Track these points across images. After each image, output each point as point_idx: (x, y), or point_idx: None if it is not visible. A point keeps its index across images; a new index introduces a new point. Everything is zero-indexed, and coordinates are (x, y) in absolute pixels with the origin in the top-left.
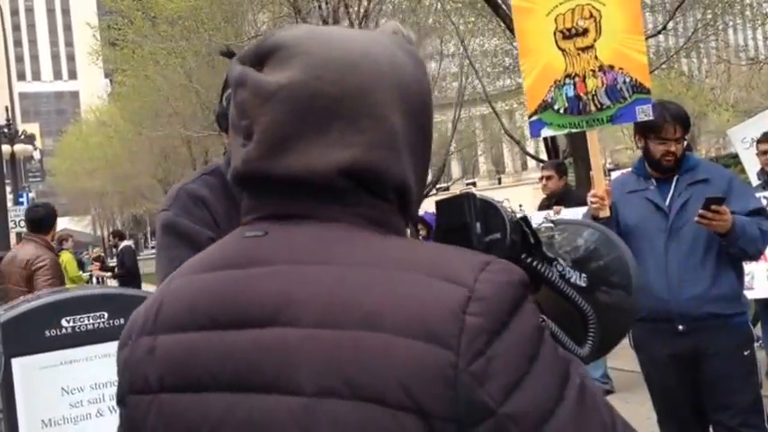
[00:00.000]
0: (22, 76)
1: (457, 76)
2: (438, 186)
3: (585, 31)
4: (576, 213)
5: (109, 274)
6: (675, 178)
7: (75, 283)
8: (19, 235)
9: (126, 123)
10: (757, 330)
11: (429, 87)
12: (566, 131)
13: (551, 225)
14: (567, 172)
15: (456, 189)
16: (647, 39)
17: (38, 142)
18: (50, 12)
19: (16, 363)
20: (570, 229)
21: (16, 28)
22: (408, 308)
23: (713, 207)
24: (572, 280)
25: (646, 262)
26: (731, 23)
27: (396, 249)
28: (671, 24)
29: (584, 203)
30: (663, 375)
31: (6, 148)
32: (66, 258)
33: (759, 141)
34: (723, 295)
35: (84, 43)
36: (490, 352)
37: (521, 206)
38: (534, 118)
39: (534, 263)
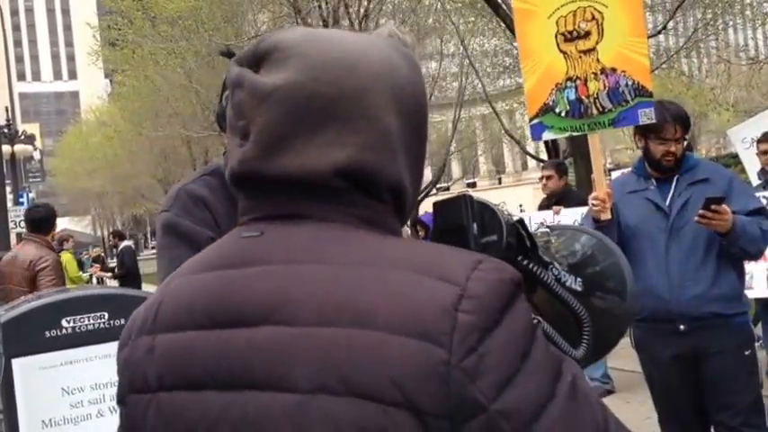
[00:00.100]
0: (22, 77)
1: (457, 76)
2: (438, 186)
3: (587, 34)
4: (576, 213)
5: (109, 274)
6: (675, 178)
7: (76, 284)
8: (19, 235)
9: (126, 123)
10: (758, 330)
11: (424, 90)
12: (567, 135)
13: (548, 230)
14: (567, 172)
15: (456, 189)
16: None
17: (38, 142)
18: (50, 12)
19: (16, 363)
20: (567, 234)
21: (16, 28)
22: (402, 306)
23: (713, 207)
24: (567, 284)
25: (646, 262)
26: (731, 23)
27: (390, 249)
28: (671, 24)
29: (584, 203)
30: (664, 375)
31: (6, 148)
32: (67, 259)
33: (759, 141)
34: (724, 295)
35: (84, 43)
36: (482, 349)
37: (521, 206)
38: (535, 121)
39: (530, 265)
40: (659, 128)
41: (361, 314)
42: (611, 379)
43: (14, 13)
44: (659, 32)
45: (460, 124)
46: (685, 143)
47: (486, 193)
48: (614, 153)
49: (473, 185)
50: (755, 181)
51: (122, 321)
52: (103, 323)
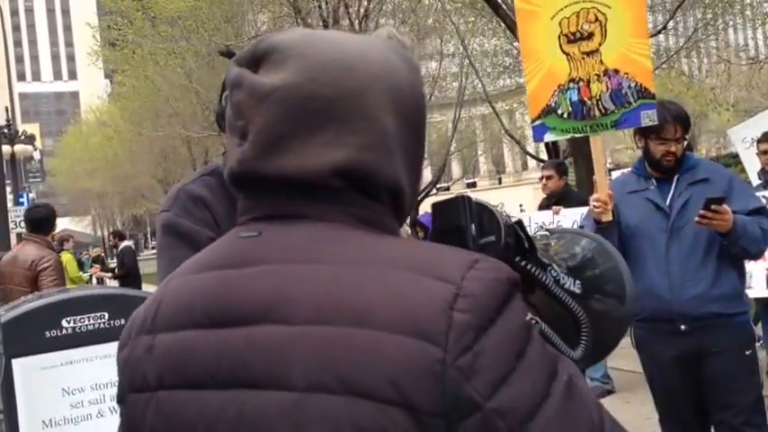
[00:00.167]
0: (22, 77)
1: (457, 76)
2: (438, 186)
3: (591, 35)
4: (575, 213)
5: (109, 274)
6: (676, 178)
7: (76, 284)
8: (19, 236)
9: (126, 123)
10: (758, 330)
11: (422, 91)
12: (569, 136)
13: (548, 233)
14: (568, 172)
15: (456, 189)
16: None
17: (38, 142)
18: (50, 12)
19: (17, 363)
20: (567, 237)
21: (16, 28)
22: (399, 305)
23: (713, 207)
24: (566, 286)
25: (647, 262)
26: (731, 23)
27: (387, 248)
28: (671, 24)
29: (584, 203)
30: (665, 375)
31: (6, 148)
32: (67, 259)
33: (759, 141)
34: (725, 294)
35: (84, 44)
36: (477, 347)
37: (521, 206)
38: (537, 122)
39: (528, 266)
40: (659, 128)
41: (359, 313)
42: (611, 379)
43: (14, 13)
44: (659, 32)
45: (460, 124)
46: (685, 143)
47: (487, 193)
48: (614, 153)
49: (473, 185)
50: (755, 181)
51: (122, 322)
52: (104, 323)
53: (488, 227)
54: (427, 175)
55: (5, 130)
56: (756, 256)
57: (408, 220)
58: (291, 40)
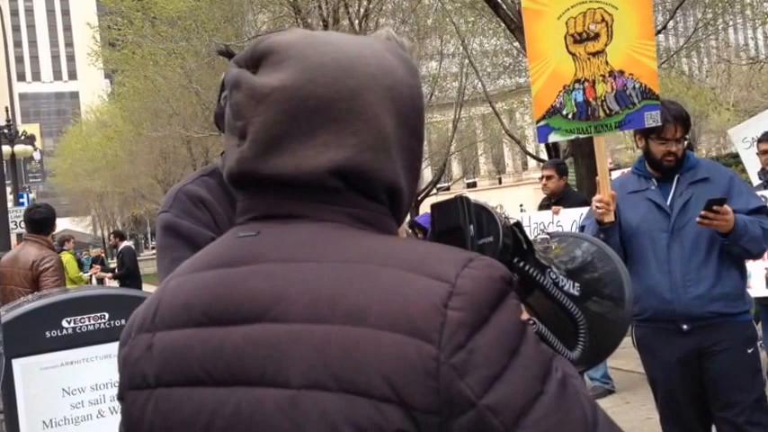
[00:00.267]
0: (21, 77)
1: (457, 76)
2: (438, 186)
3: (597, 36)
4: (575, 213)
5: (109, 274)
6: (676, 178)
7: (76, 284)
8: (20, 236)
9: (126, 124)
10: (758, 329)
11: (421, 92)
12: (573, 137)
13: (548, 236)
14: (567, 172)
15: (456, 189)
16: None
17: (38, 143)
18: (50, 12)
19: (17, 363)
20: (569, 240)
21: (16, 29)
22: (394, 303)
23: (714, 207)
24: (565, 288)
25: (648, 262)
26: (731, 23)
27: (383, 247)
28: (671, 24)
29: (584, 203)
30: (667, 375)
31: (6, 148)
32: (67, 259)
33: (759, 141)
34: (727, 294)
35: (84, 44)
36: (471, 345)
37: (521, 206)
38: (542, 123)
39: (526, 267)
40: (660, 128)
41: (354, 311)
42: (611, 379)
43: (14, 13)
44: (659, 32)
45: (460, 124)
46: (686, 143)
47: (487, 193)
48: (614, 153)
49: (473, 185)
50: (756, 181)
51: (122, 322)
52: (104, 324)
53: (487, 228)
54: (427, 175)
55: (5, 131)
56: (757, 255)
57: (407, 221)
58: (290, 41)
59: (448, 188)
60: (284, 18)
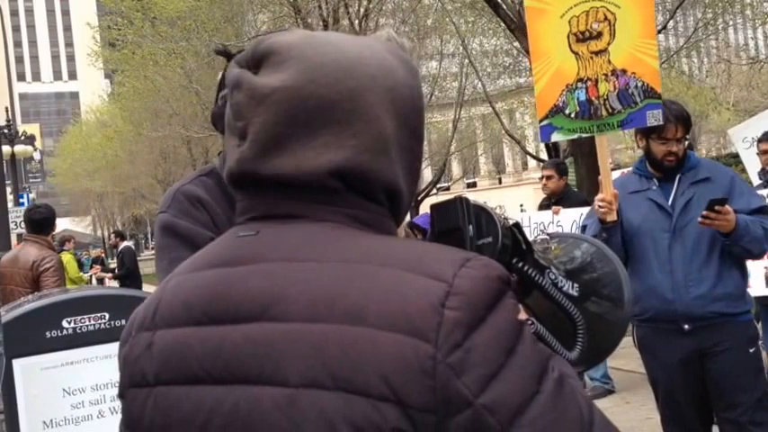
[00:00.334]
0: (21, 77)
1: (457, 76)
2: (438, 186)
3: (599, 35)
4: (575, 213)
5: (109, 274)
6: (678, 177)
7: (76, 284)
8: (20, 236)
9: (126, 124)
10: (758, 329)
11: (421, 93)
12: (576, 136)
13: (548, 237)
14: (567, 172)
15: (456, 189)
16: None
17: (38, 143)
18: (50, 12)
19: (17, 364)
20: (568, 241)
21: (16, 29)
22: (391, 303)
23: (716, 207)
24: (564, 288)
25: (649, 262)
26: (731, 23)
27: (382, 247)
28: (671, 24)
29: (584, 203)
30: (668, 375)
31: (6, 148)
32: (67, 259)
33: (760, 141)
34: (728, 294)
35: (84, 44)
36: (467, 344)
37: (521, 206)
38: (545, 122)
39: (525, 267)
40: (661, 128)
41: (352, 311)
42: (611, 379)
43: (14, 13)
44: (659, 32)
45: (460, 124)
46: (686, 143)
47: (487, 193)
48: (615, 153)
49: (473, 185)
50: (756, 181)
51: (123, 322)
52: (104, 324)
53: (486, 228)
54: (427, 175)
55: (5, 131)
56: (758, 256)
57: (406, 222)
58: (291, 42)
59: (448, 188)
60: (284, 18)
